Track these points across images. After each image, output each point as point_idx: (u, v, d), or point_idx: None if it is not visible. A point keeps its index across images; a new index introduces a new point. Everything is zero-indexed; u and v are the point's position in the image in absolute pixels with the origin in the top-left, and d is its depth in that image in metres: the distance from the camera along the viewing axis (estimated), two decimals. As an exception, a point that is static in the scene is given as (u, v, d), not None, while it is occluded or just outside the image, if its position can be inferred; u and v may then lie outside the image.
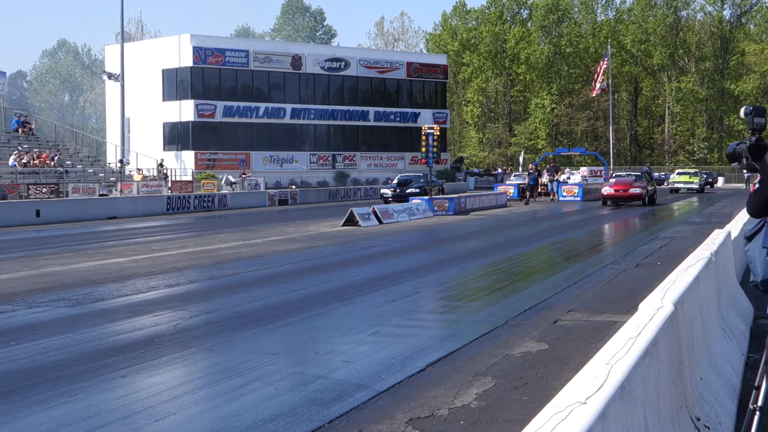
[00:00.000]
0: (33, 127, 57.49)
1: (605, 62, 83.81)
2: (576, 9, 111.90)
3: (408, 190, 49.90)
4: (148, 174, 55.35)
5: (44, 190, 43.02)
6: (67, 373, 9.24)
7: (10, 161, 47.12)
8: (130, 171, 54.98)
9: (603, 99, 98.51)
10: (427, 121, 72.87)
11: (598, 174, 71.34)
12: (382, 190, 54.09)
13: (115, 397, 8.40)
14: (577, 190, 55.73)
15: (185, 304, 14.01)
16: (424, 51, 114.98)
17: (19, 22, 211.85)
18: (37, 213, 39.07)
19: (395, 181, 55.67)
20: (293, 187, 65.77)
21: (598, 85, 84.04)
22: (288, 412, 7.75)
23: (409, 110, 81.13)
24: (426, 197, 41.78)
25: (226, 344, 10.80)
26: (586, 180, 67.31)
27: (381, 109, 79.39)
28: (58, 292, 15.21)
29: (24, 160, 47.54)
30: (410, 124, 79.05)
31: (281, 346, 10.96)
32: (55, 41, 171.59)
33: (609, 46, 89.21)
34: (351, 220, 32.31)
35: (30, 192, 42.25)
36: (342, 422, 7.46)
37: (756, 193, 4.91)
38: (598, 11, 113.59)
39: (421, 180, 52.21)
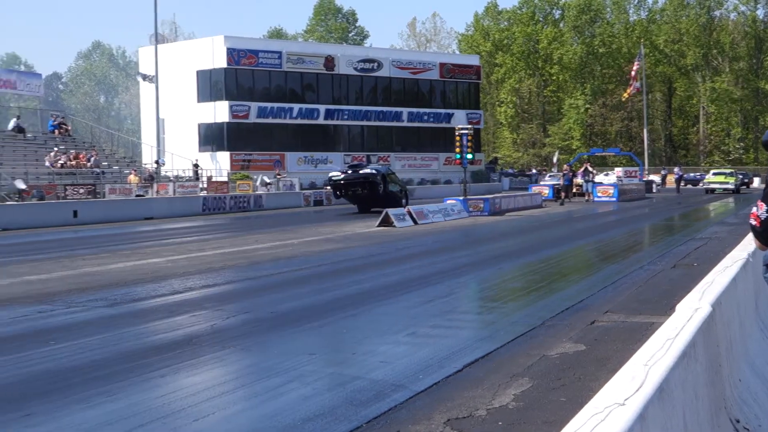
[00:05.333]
0: (69, 128, 57.91)
1: (638, 63, 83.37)
2: (608, 9, 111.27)
3: (363, 171, 43.09)
4: (182, 175, 55.70)
5: (81, 190, 43.33)
6: (106, 373, 9.31)
7: (47, 162, 47.52)
8: (158, 172, 55.31)
9: (637, 99, 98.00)
10: (460, 122, 72.72)
11: (633, 174, 70.99)
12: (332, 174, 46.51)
13: (154, 397, 8.46)
14: (612, 191, 55.51)
15: (222, 305, 14.09)
16: (457, 52, 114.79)
17: (55, 24, 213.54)
18: (75, 214, 39.36)
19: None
20: (328, 187, 65.80)
21: (632, 90, 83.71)
22: (326, 412, 7.79)
23: (443, 111, 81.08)
24: (461, 198, 41.73)
25: (263, 344, 10.86)
26: (621, 180, 66.98)
27: (414, 109, 79.37)
28: (96, 292, 15.32)
29: (61, 161, 47.93)
30: (444, 125, 78.96)
31: (318, 347, 11.02)
32: (89, 43, 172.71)
33: (642, 47, 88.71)
34: (386, 221, 32.31)
35: (67, 193, 42.57)
36: (380, 422, 7.49)
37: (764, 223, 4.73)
38: (631, 11, 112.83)
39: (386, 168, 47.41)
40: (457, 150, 42.05)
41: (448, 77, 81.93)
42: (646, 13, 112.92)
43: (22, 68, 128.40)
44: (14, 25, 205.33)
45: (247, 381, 9.17)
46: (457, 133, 42.21)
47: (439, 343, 10.84)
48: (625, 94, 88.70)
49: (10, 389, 8.69)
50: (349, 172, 43.12)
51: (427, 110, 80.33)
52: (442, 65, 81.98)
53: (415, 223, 33.45)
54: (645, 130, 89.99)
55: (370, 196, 41.88)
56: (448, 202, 40.27)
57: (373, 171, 42.44)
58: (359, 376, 9.07)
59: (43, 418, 7.72)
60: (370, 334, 11.59)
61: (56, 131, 55.23)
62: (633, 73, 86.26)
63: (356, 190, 42.45)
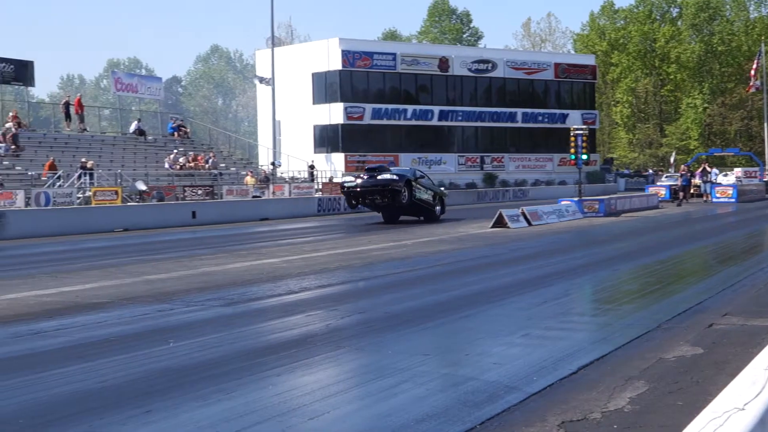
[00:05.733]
0: (188, 130, 59.04)
1: (758, 61, 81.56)
2: (728, 6, 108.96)
3: (381, 176, 36.38)
4: (298, 176, 56.36)
5: (199, 191, 44.10)
6: (223, 371, 9.44)
7: (167, 164, 48.48)
8: (277, 173, 55.98)
9: (757, 98, 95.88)
10: (575, 122, 72.02)
11: (753, 175, 69.55)
12: (345, 179, 40.79)
13: (270, 395, 8.55)
14: (731, 192, 54.46)
15: (337, 305, 14.18)
16: (572, 51, 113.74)
17: (174, 29, 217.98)
18: (193, 214, 40.12)
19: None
20: (442, 188, 65.84)
21: (752, 89, 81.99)
22: (439, 412, 7.78)
23: (557, 111, 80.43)
24: (576, 199, 41.33)
25: (377, 344, 10.90)
26: (741, 181, 65.65)
27: (528, 110, 78.90)
28: (214, 292, 15.57)
29: (180, 163, 48.84)
30: (558, 125, 78.26)
31: (432, 347, 11.03)
32: (208, 47, 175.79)
33: (762, 44, 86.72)
34: (500, 222, 32.19)
35: (186, 194, 43.38)
36: (493, 424, 7.46)
37: None
38: (751, 8, 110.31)
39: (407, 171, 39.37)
40: (572, 151, 41.64)
41: (563, 77, 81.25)
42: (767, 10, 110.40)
43: (143, 72, 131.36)
44: (135, 30, 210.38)
45: (361, 381, 9.23)
46: (571, 134, 41.81)
47: (553, 344, 10.78)
48: (749, 89, 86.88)
49: (131, 386, 8.88)
50: (365, 177, 36.86)
51: (542, 111, 79.79)
52: (556, 65, 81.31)
53: (530, 224, 33.26)
54: (766, 129, 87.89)
55: (391, 205, 36.32)
56: (563, 203, 39.96)
57: (394, 177, 35.92)
58: (473, 377, 9.05)
59: (163, 415, 7.87)
60: (483, 335, 11.56)
61: (176, 133, 56.37)
62: (753, 71, 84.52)
63: (375, 199, 36.59)
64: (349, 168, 66.18)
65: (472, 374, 9.22)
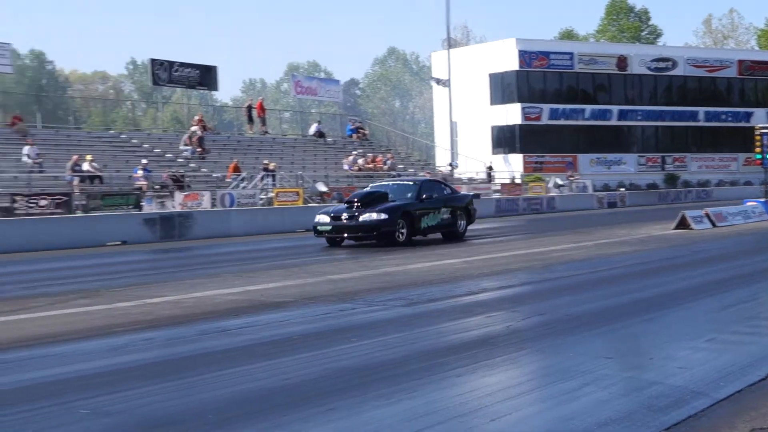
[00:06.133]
0: (366, 132, 59.80)
1: None
2: None
3: (364, 217, 27.20)
4: (475, 177, 56.40)
5: (378, 193, 44.58)
6: (404, 371, 9.49)
7: (346, 165, 49.20)
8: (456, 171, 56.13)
9: None
10: (761, 121, 69.86)
11: None
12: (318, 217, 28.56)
13: (451, 396, 8.58)
14: None
15: (517, 306, 14.15)
16: (756, 48, 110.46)
17: (352, 33, 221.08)
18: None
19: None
20: (622, 189, 64.98)
21: None
22: (622, 417, 7.66)
23: (741, 109, 78.37)
24: (762, 199, 40.11)
25: (558, 347, 10.81)
26: None
27: (711, 108, 77.14)
28: (395, 292, 15.70)
29: (359, 164, 49.49)
30: (743, 124, 76.21)
31: (614, 350, 10.87)
32: (385, 50, 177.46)
33: None
34: (683, 223, 31.56)
35: (365, 195, 43.90)
36: (679, 429, 7.29)
37: None
38: None
39: (409, 194, 29.12)
40: (757, 150, 40.49)
41: (746, 74, 79.08)
42: None
43: (322, 75, 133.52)
44: (314, 34, 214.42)
45: (541, 383, 9.17)
46: (757, 132, 40.67)
47: (740, 349, 10.50)
48: None
49: (314, 384, 9.01)
50: (345, 216, 27.57)
51: (725, 109, 77.87)
52: (740, 62, 79.25)
53: (714, 225, 32.50)
54: None
55: (391, 242, 27.16)
56: (748, 203, 38.85)
57: (382, 217, 27.07)
58: (657, 382, 8.88)
59: (345, 413, 7.96)
60: (666, 338, 11.33)
61: (354, 135, 57.18)
62: None
63: (367, 236, 27.71)
64: (527, 169, 65.97)
65: (656, 378, 9.05)
